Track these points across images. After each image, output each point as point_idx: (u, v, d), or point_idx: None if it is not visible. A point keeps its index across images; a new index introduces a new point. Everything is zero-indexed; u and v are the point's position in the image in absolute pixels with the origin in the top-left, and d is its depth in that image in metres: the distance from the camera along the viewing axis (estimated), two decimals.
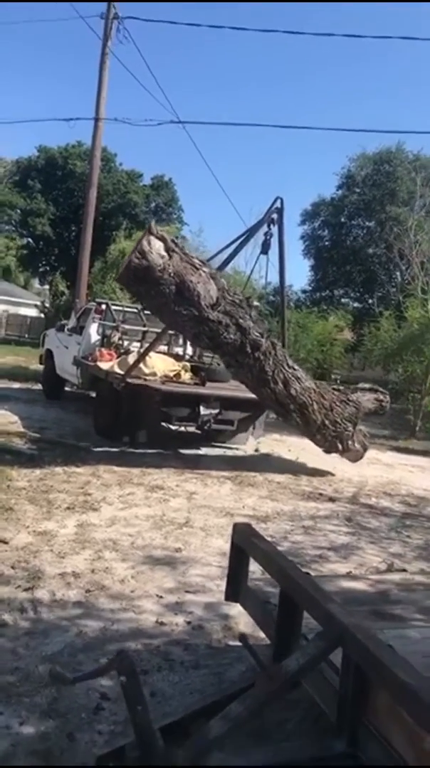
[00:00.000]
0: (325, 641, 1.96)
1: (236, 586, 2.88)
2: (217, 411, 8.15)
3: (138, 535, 4.81)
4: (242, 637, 1.96)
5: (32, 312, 34.88)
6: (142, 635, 3.25)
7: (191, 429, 8.85)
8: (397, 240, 20.96)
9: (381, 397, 8.28)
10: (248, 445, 9.25)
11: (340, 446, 7.55)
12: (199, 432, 8.76)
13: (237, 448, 9.11)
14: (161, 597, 3.71)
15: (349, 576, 3.51)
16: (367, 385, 8.51)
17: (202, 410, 8.05)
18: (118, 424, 8.19)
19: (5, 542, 4.33)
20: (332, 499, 6.60)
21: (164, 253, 5.40)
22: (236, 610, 3.32)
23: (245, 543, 2.79)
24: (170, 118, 14.52)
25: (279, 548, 4.86)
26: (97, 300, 11.17)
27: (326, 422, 7.18)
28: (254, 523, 5.45)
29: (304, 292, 30.01)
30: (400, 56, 63.42)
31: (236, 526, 2.98)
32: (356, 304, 28.54)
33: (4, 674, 2.74)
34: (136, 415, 8.01)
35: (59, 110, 63.07)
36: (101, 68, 13.23)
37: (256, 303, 7.86)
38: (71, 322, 11.15)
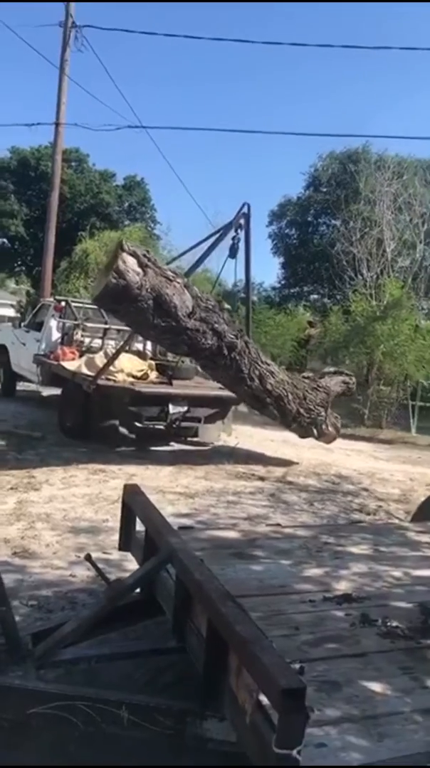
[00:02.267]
0: (157, 560, 2.51)
1: (127, 537, 3.44)
2: (185, 409, 8.51)
3: (71, 510, 5.35)
4: (88, 556, 2.48)
5: (10, 312, 35.13)
6: (54, 585, 3.79)
7: (159, 427, 9.28)
8: (362, 238, 21.65)
9: (347, 379, 8.77)
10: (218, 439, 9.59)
11: (315, 431, 7.97)
12: (165, 429, 9.19)
13: (206, 444, 9.37)
14: (78, 557, 4.24)
15: (228, 528, 4.06)
16: (332, 369, 9.01)
17: (172, 409, 8.39)
18: (86, 425, 8.35)
19: None
20: (261, 479, 7.18)
21: (139, 269, 5.42)
22: (135, 564, 3.86)
23: (131, 500, 3.35)
24: (128, 123, 14.92)
25: (198, 519, 5.45)
26: (56, 297, 11.56)
27: (301, 410, 7.49)
28: (183, 498, 6.06)
29: (274, 288, 30.64)
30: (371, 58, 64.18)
31: (125, 486, 3.53)
32: (325, 300, 29.24)
33: None
34: (105, 416, 8.18)
35: (26, 112, 62.99)
36: (60, 75, 13.70)
37: (226, 306, 8.28)
38: (27, 319, 11.44)
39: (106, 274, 5.45)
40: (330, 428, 8.24)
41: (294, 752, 1.54)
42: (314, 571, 3.00)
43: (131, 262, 5.39)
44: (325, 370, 9.52)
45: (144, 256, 5.56)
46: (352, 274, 18.67)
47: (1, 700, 2.15)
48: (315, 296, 30.33)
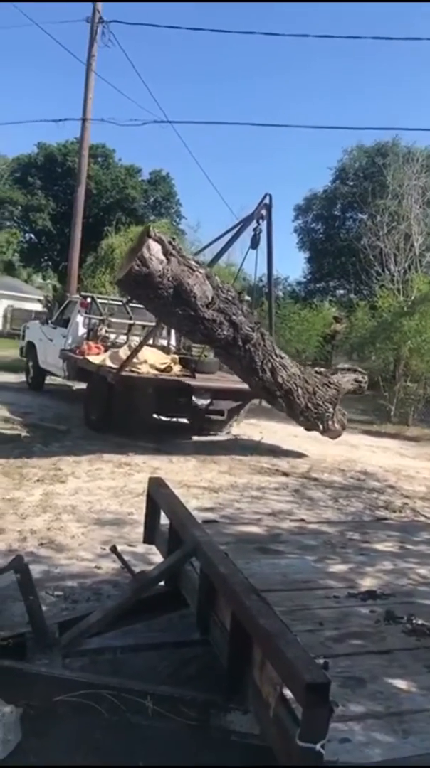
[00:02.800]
0: (182, 553, 2.53)
1: (151, 529, 3.47)
2: (208, 402, 8.58)
3: (97, 502, 5.40)
4: (113, 547, 2.51)
5: (36, 306, 35.57)
6: (79, 576, 3.83)
7: (183, 420, 9.37)
8: (389, 232, 21.41)
9: (360, 377, 8.78)
10: (228, 431, 9.67)
11: (320, 426, 8.01)
12: (189, 422, 9.27)
13: (215, 434, 9.52)
14: (103, 549, 4.28)
15: (252, 523, 4.06)
16: (346, 366, 9.01)
17: (195, 401, 8.46)
18: (111, 417, 8.45)
19: None
20: (286, 474, 7.16)
21: (163, 258, 5.47)
22: (160, 557, 3.89)
23: (155, 493, 3.37)
24: (154, 118, 14.95)
25: (223, 513, 5.47)
26: (82, 293, 11.69)
27: (309, 405, 7.53)
28: (207, 493, 6.08)
29: (299, 283, 30.47)
30: (398, 51, 63.29)
31: (150, 479, 3.56)
32: (352, 295, 29.03)
33: None
34: (129, 408, 8.27)
35: (53, 108, 63.68)
36: (87, 71, 13.78)
37: (247, 297, 8.31)
38: (55, 315, 11.63)
39: (130, 259, 5.48)
40: (336, 425, 8.27)
41: (318, 746, 1.54)
42: (338, 567, 2.99)
43: (156, 249, 5.43)
44: (338, 366, 9.49)
45: (169, 243, 5.59)
46: (379, 269, 18.48)
47: (28, 687, 2.19)
48: (341, 291, 30.08)
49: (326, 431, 8.28)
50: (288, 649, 1.73)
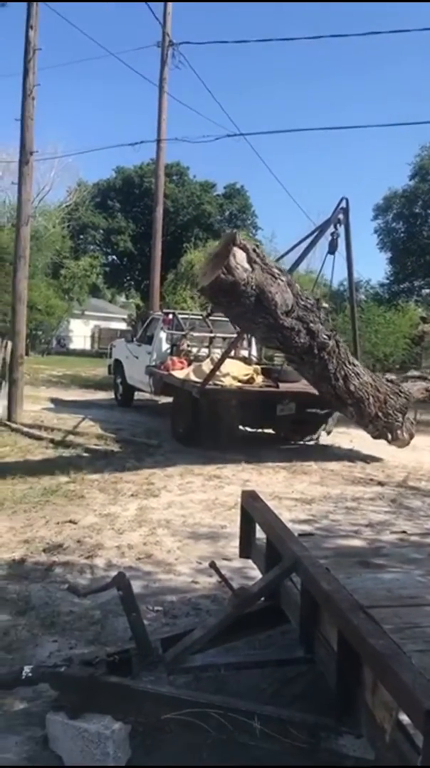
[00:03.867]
0: (281, 569, 2.48)
1: (247, 544, 3.44)
2: (292, 411, 8.52)
3: (190, 516, 5.44)
4: (212, 563, 2.49)
5: (121, 325, 36.79)
6: (178, 591, 3.86)
7: (269, 430, 9.32)
8: None
9: (428, 386, 8.46)
10: (316, 440, 9.51)
11: (389, 435, 7.80)
12: (275, 432, 9.20)
13: (304, 444, 9.39)
14: (200, 563, 4.30)
15: (350, 535, 3.93)
16: (416, 373, 8.71)
17: (279, 411, 8.44)
18: (197, 430, 8.53)
19: (74, 522, 5.09)
20: (381, 483, 6.92)
21: (247, 266, 5.42)
22: (257, 572, 3.85)
23: (249, 506, 3.34)
24: (226, 132, 15.10)
25: (318, 525, 5.36)
26: (164, 310, 11.94)
27: (379, 414, 7.40)
28: (300, 505, 5.99)
29: (382, 285, 29.62)
30: None
31: (243, 492, 3.54)
32: None
33: (63, 615, 3.43)
34: (214, 420, 8.32)
35: (129, 134, 66.32)
36: (160, 93, 14.16)
37: (325, 305, 8.22)
38: (139, 333, 11.94)
39: (216, 266, 5.43)
40: (405, 434, 8.02)
41: None
42: None
43: (241, 256, 5.38)
44: (408, 374, 9.15)
45: (253, 251, 5.54)
46: None
47: (136, 704, 2.20)
48: (427, 290, 28.97)
49: (395, 440, 8.06)
50: (403, 671, 1.64)
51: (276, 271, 5.93)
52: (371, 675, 1.85)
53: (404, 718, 1.65)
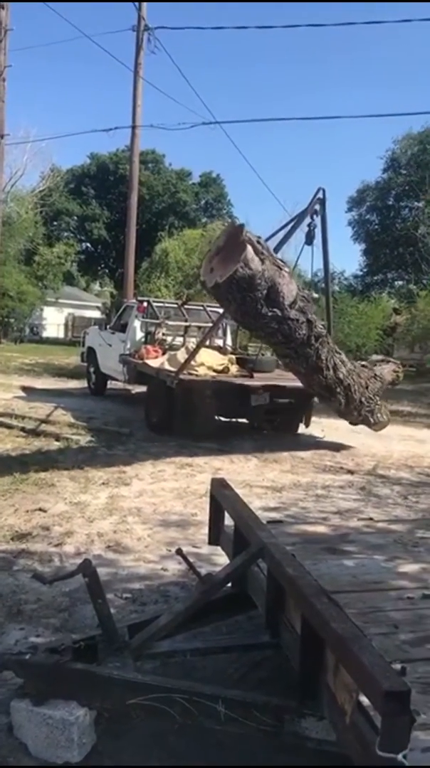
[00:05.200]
0: (247, 555, 2.49)
1: (216, 531, 3.45)
2: (267, 401, 8.52)
3: (161, 504, 5.44)
4: (179, 550, 2.49)
5: (95, 313, 36.45)
6: (147, 578, 3.86)
7: (242, 420, 9.34)
8: None
9: (396, 367, 8.81)
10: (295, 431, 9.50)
11: (371, 419, 7.93)
12: (248, 422, 9.22)
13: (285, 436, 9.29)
14: (169, 551, 4.30)
15: (318, 522, 3.98)
16: (380, 357, 8.92)
17: (253, 401, 8.42)
18: (171, 420, 8.50)
19: (44, 511, 5.05)
20: (350, 472, 7.01)
21: (257, 257, 5.28)
22: (226, 559, 3.86)
23: (219, 494, 3.35)
24: (202, 120, 14.99)
25: (287, 513, 5.40)
26: (139, 298, 11.85)
27: (363, 399, 7.45)
28: (270, 492, 6.02)
29: (355, 277, 29.90)
30: None
31: (212, 480, 3.55)
32: (411, 286, 28.29)
33: (29, 603, 3.41)
34: (189, 410, 8.30)
35: (104, 120, 65.35)
36: (135, 78, 13.96)
37: (315, 295, 8.25)
38: (113, 321, 11.83)
39: (226, 260, 5.21)
40: (384, 416, 8.24)
41: (400, 756, 1.47)
42: (410, 567, 2.87)
43: (250, 250, 5.21)
44: (372, 358, 9.32)
45: (258, 242, 5.38)
46: None
47: (101, 690, 2.20)
48: (400, 282, 29.36)
49: (376, 424, 8.23)
50: (363, 654, 1.66)
51: (280, 262, 5.86)
52: (333, 658, 1.88)
53: (364, 700, 1.68)
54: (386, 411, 8.34)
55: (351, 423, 8.20)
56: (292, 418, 9.22)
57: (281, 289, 5.62)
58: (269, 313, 5.76)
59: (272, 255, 5.62)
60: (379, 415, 8.02)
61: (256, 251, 5.31)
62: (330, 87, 63.66)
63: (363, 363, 8.46)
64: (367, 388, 7.52)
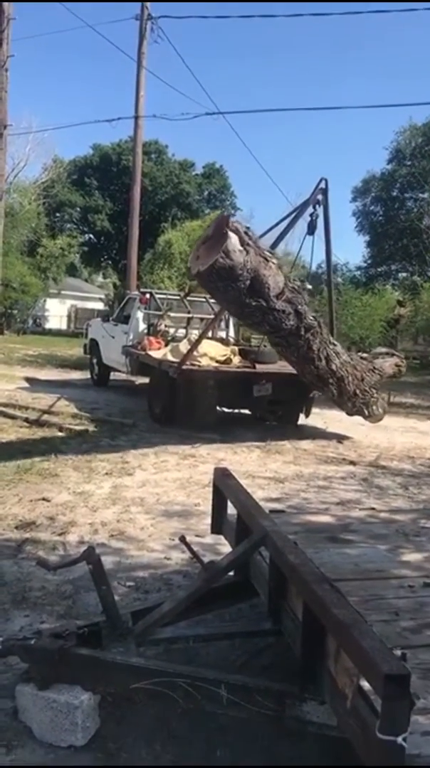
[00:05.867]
0: (250, 542, 2.51)
1: (219, 520, 3.47)
2: (269, 392, 8.56)
3: (164, 494, 5.47)
4: (182, 537, 2.52)
5: (98, 305, 36.40)
6: (150, 567, 3.89)
7: (245, 411, 9.35)
8: None
9: (399, 361, 8.79)
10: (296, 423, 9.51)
11: (366, 411, 7.98)
12: (251, 413, 9.23)
13: (287, 427, 9.24)
14: (172, 540, 4.33)
15: (320, 512, 4.00)
16: (384, 350, 8.90)
17: (256, 392, 8.47)
18: (174, 411, 8.53)
19: (48, 500, 5.08)
20: (352, 463, 7.03)
21: (241, 248, 5.34)
22: (228, 547, 3.89)
23: (221, 483, 3.37)
24: (205, 111, 14.91)
25: (289, 503, 5.42)
26: (142, 289, 11.85)
27: (358, 391, 7.54)
28: (273, 484, 6.05)
29: (359, 268, 29.80)
30: None
31: (215, 469, 3.56)
32: (415, 278, 28.20)
33: (34, 591, 3.44)
34: (191, 401, 8.33)
35: (106, 110, 64.98)
36: (138, 68, 13.89)
37: (308, 286, 8.23)
38: (116, 312, 11.84)
39: (210, 250, 5.30)
40: (379, 409, 8.25)
41: (399, 739, 1.50)
42: (412, 556, 2.89)
43: (235, 240, 5.27)
44: (376, 350, 9.32)
45: (245, 233, 5.43)
46: None
47: (105, 675, 2.23)
48: (404, 274, 29.26)
49: (371, 416, 8.25)
50: (364, 639, 1.68)
51: (267, 253, 5.89)
52: (334, 644, 1.90)
53: (365, 684, 1.70)
54: (383, 404, 8.38)
55: (347, 414, 8.24)
56: (293, 409, 9.23)
57: (265, 281, 5.64)
58: (254, 303, 5.79)
59: (257, 246, 5.64)
60: (374, 407, 8.06)
61: (241, 242, 5.36)
62: (335, 77, 63.20)
63: (363, 355, 8.47)
64: (362, 380, 7.56)
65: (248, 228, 5.69)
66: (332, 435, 8.73)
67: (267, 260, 5.73)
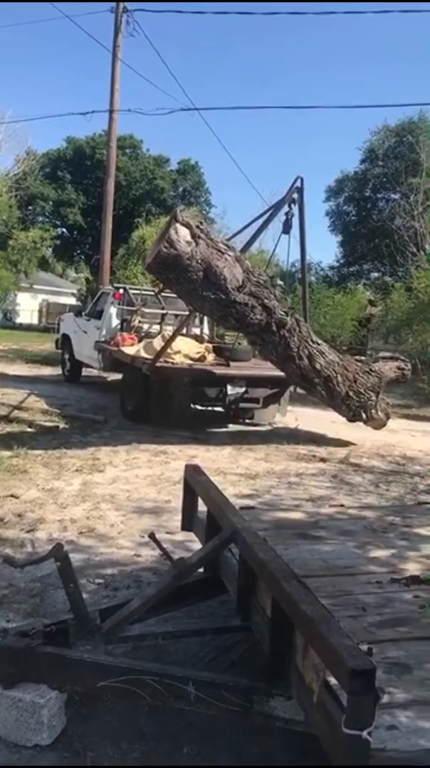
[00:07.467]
0: (220, 539, 2.51)
1: (189, 517, 3.46)
2: (243, 390, 8.55)
3: (135, 491, 5.44)
4: (151, 534, 2.50)
5: (71, 300, 36.02)
6: (120, 564, 3.86)
7: (218, 408, 9.34)
8: (424, 211, 20.92)
9: (402, 365, 8.60)
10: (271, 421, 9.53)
11: (364, 415, 7.84)
12: (224, 411, 9.23)
13: (261, 425, 9.30)
14: (143, 537, 4.31)
15: (290, 509, 4.02)
16: (388, 354, 8.84)
17: (230, 390, 8.44)
18: (147, 408, 8.47)
19: (16, 497, 5.01)
20: (323, 460, 7.08)
21: (191, 240, 5.43)
22: (199, 544, 3.88)
23: (192, 480, 3.36)
24: (181, 106, 14.86)
25: (260, 500, 5.44)
26: (115, 285, 11.75)
27: (351, 393, 7.40)
28: (244, 480, 6.06)
29: (332, 268, 30.04)
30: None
31: (186, 466, 3.55)
32: (387, 278, 28.52)
33: (1, 589, 3.39)
34: (165, 398, 8.29)
35: (81, 103, 64.18)
36: (113, 61, 13.75)
37: (279, 282, 8.21)
38: (88, 307, 11.72)
39: (158, 243, 5.43)
40: (380, 413, 8.08)
41: (364, 733, 1.51)
42: (380, 553, 2.93)
43: (184, 232, 5.38)
44: (380, 354, 9.31)
45: (197, 227, 5.52)
46: (414, 249, 18.07)
47: (72, 673, 2.21)
48: (376, 274, 29.60)
49: (370, 420, 8.09)
50: (331, 634, 1.69)
51: (222, 246, 5.90)
52: (302, 639, 1.91)
53: (331, 679, 1.72)
54: (386, 408, 8.18)
55: (348, 419, 8.06)
56: (267, 407, 9.25)
57: (220, 272, 5.65)
58: (212, 296, 5.81)
59: (210, 239, 5.69)
60: (374, 411, 7.90)
61: (192, 234, 5.45)
62: (310, 74, 63.57)
63: (358, 358, 8.43)
64: (355, 381, 7.41)
65: (200, 222, 5.75)
66: (304, 433, 8.79)
67: (221, 252, 5.74)
